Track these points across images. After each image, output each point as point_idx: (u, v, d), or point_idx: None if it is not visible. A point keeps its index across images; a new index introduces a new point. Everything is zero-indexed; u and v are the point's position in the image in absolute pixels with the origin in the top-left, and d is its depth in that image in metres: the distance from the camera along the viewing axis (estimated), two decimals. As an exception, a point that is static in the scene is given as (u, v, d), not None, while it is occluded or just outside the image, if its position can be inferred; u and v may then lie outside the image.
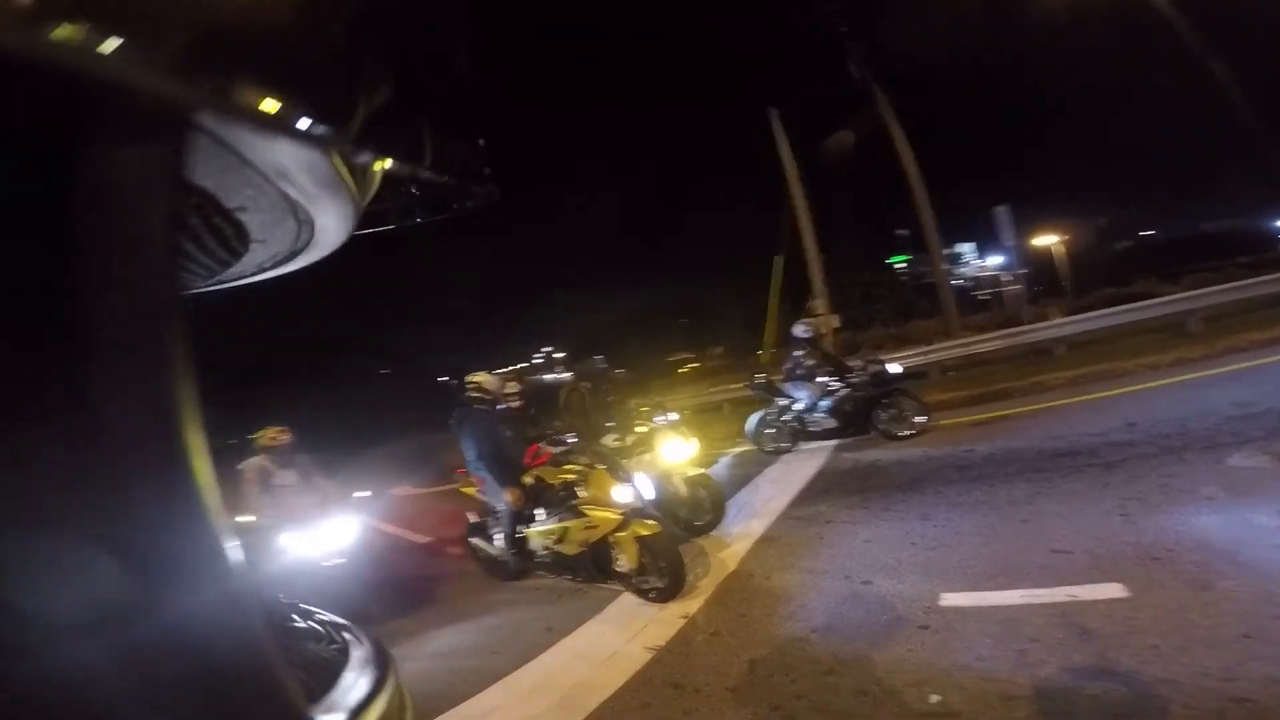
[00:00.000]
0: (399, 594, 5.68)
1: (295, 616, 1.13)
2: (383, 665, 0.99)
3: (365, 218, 0.79)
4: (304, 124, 0.44)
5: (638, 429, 5.79)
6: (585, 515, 4.54)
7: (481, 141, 0.77)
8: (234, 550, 0.46)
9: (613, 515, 4.46)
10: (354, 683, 0.92)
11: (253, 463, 5.25)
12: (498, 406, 5.47)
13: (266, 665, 0.48)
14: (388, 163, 0.65)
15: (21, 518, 0.37)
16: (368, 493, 5.35)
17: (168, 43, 0.34)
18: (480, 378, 5.39)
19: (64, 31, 0.30)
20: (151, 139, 0.41)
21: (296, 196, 0.63)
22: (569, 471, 4.86)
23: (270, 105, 0.41)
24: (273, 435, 5.35)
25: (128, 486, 0.41)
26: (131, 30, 0.32)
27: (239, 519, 4.99)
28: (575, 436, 5.53)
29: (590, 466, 4.87)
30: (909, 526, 4.79)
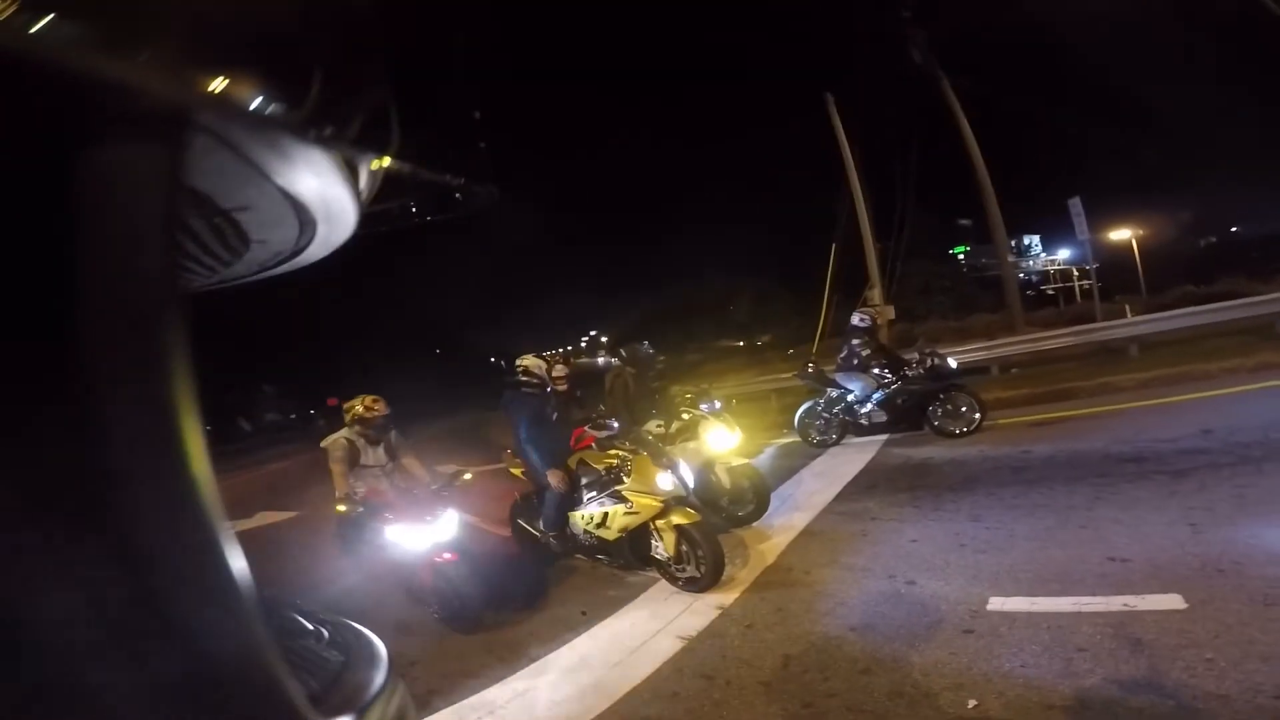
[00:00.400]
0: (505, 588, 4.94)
1: (295, 615, 1.15)
2: (384, 665, 1.00)
3: (366, 217, 0.79)
4: (304, 124, 0.45)
5: (682, 416, 5.79)
6: (627, 500, 4.56)
7: (485, 151, 0.77)
8: (233, 550, 0.46)
9: (653, 502, 4.46)
10: (355, 683, 0.93)
11: (339, 439, 4.73)
12: (545, 389, 5.52)
13: (267, 665, 0.48)
14: (388, 162, 0.65)
15: (21, 517, 0.38)
16: (467, 474, 4.99)
17: (167, 43, 0.35)
18: (528, 360, 5.46)
19: (62, 33, 0.31)
20: (151, 139, 0.41)
21: (297, 196, 0.63)
22: (612, 457, 4.88)
23: (270, 106, 0.41)
24: (367, 405, 4.80)
25: (127, 486, 0.41)
26: (131, 31, 0.33)
27: (338, 507, 4.62)
28: (617, 422, 5.55)
29: (633, 453, 4.90)
30: (959, 527, 4.65)
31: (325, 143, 0.52)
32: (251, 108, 0.41)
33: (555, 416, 5.43)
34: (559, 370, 6.17)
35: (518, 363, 5.53)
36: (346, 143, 0.51)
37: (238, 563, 0.46)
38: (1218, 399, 7.00)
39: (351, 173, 0.65)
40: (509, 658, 3.75)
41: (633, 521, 4.55)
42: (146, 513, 0.41)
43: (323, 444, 4.83)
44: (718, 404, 6.06)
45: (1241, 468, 4.65)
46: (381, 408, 4.82)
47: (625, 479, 4.68)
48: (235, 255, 0.79)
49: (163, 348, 0.43)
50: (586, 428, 5.73)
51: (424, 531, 4.35)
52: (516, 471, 5.67)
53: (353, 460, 4.73)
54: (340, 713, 0.84)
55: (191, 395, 0.44)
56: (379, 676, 0.94)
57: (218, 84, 0.38)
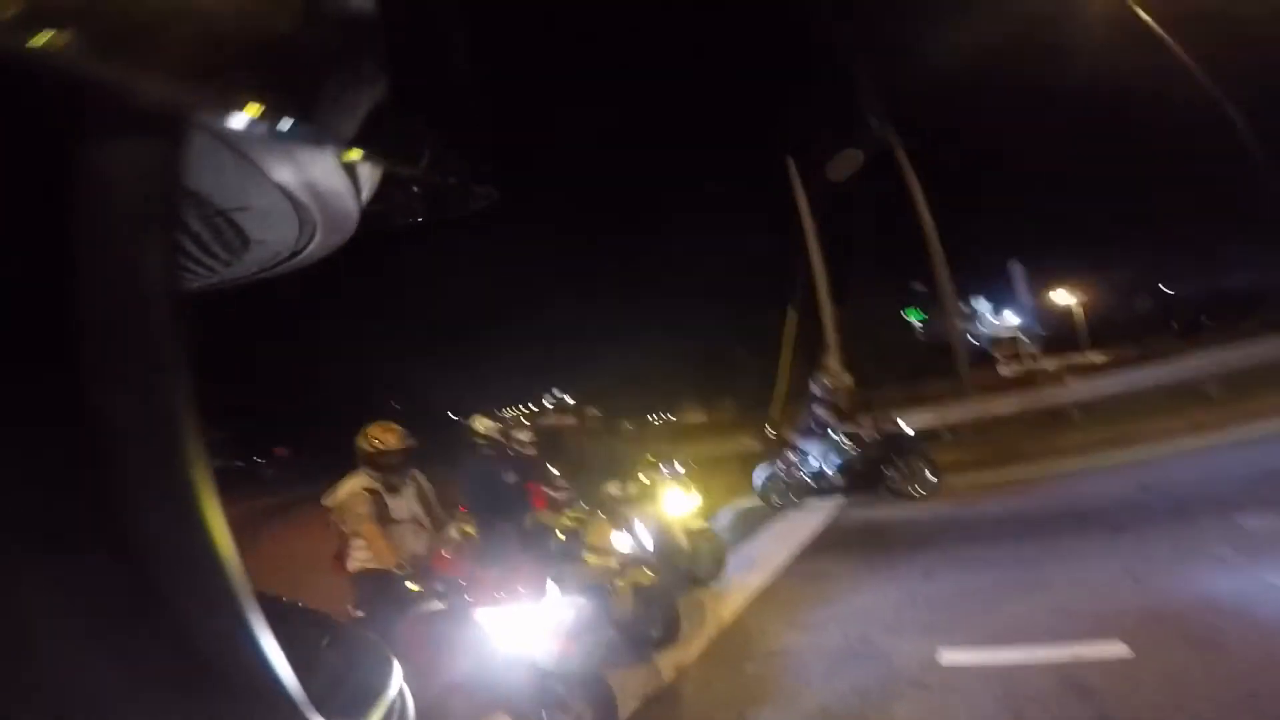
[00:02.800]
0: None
1: (296, 616, 1.12)
2: (387, 668, 0.97)
3: (365, 218, 0.80)
4: (303, 124, 0.45)
5: (641, 479, 5.77)
6: (583, 562, 4.48)
7: (485, 152, 0.78)
8: (233, 550, 0.46)
9: (610, 562, 4.40)
10: (357, 685, 0.91)
11: (355, 489, 3.54)
12: (508, 451, 5.40)
13: (268, 666, 0.47)
14: (389, 163, 0.65)
15: (20, 520, 0.37)
16: (468, 527, 3.87)
17: (167, 44, 0.36)
18: (481, 424, 5.38)
19: (60, 37, 0.32)
20: (151, 139, 0.41)
21: (296, 197, 0.63)
22: (569, 518, 4.81)
23: (269, 105, 0.42)
24: (373, 437, 3.63)
25: (126, 488, 0.41)
26: (131, 31, 0.34)
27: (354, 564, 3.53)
28: (565, 484, 5.51)
29: (591, 514, 4.84)
30: (912, 584, 4.68)
31: (325, 143, 0.52)
32: (251, 109, 0.41)
33: (513, 479, 5.30)
34: (524, 435, 5.97)
35: (472, 424, 5.44)
36: (346, 143, 0.51)
37: (238, 563, 0.45)
38: (1153, 458, 7.28)
39: (351, 173, 0.65)
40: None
41: (589, 582, 4.45)
42: (146, 513, 0.41)
43: (330, 500, 3.62)
44: (679, 467, 6.06)
45: (1177, 520, 4.82)
46: (394, 439, 3.64)
47: (582, 540, 4.61)
48: (235, 255, 0.79)
49: (163, 347, 0.43)
50: (542, 487, 5.66)
51: (532, 614, 3.20)
52: (469, 531, 5.49)
53: (380, 516, 3.56)
54: (342, 714, 0.81)
55: (191, 395, 0.44)
56: (382, 680, 0.91)
57: (218, 84, 0.38)
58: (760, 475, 8.35)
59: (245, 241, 0.76)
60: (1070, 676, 2.87)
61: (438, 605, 3.30)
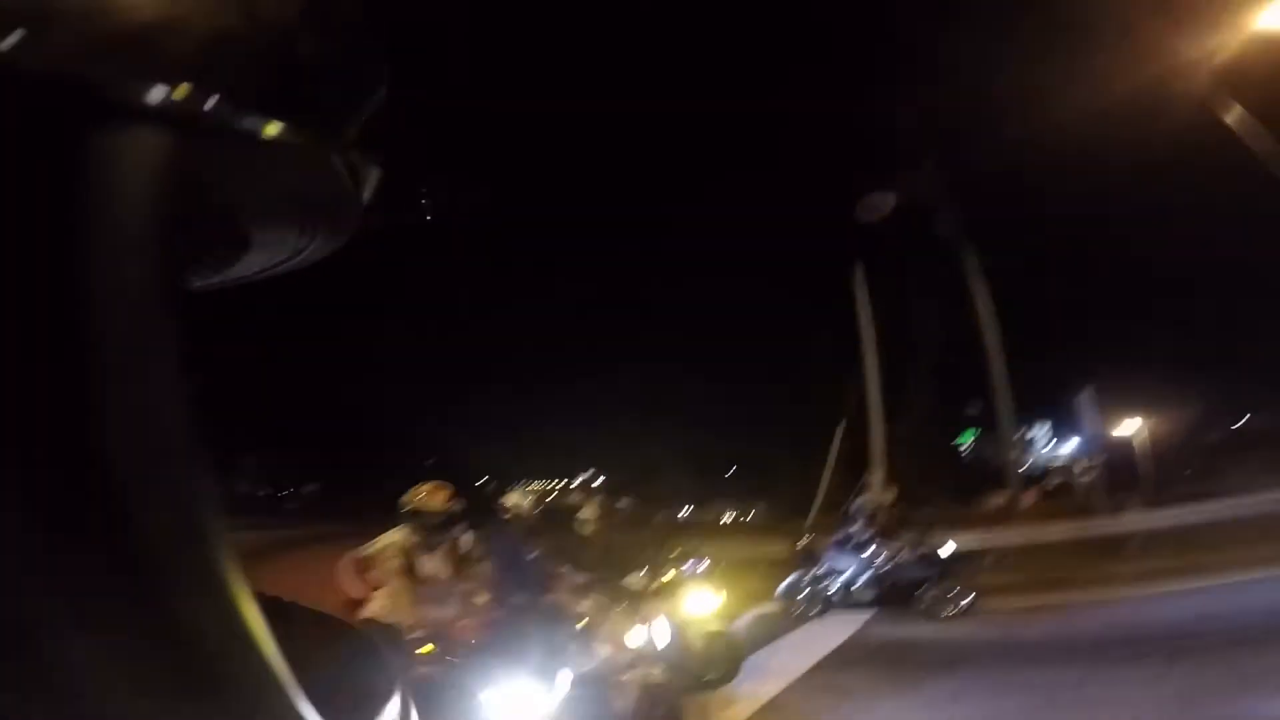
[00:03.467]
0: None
1: (296, 617, 1.11)
2: (388, 670, 0.96)
3: (366, 218, 0.85)
4: (304, 125, 0.46)
5: (665, 574, 5.63)
6: (594, 650, 4.33)
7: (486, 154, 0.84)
8: (233, 550, 0.45)
9: (621, 656, 4.35)
10: (357, 686, 0.90)
11: (392, 539, 3.58)
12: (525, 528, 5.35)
13: (268, 667, 0.46)
14: (387, 163, 0.64)
15: (18, 522, 0.37)
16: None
17: (166, 44, 0.38)
18: (512, 498, 5.41)
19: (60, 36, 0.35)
20: (151, 139, 0.42)
21: (296, 199, 0.62)
22: (587, 605, 4.72)
23: (270, 106, 0.43)
24: (425, 494, 3.66)
25: (125, 488, 0.40)
26: (132, 30, 0.37)
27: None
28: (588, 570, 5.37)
29: (609, 603, 4.73)
30: (936, 707, 4.34)
31: (326, 143, 0.52)
32: (251, 111, 0.42)
33: (535, 557, 5.21)
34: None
35: (505, 501, 5.46)
36: (347, 143, 0.51)
37: (237, 562, 0.44)
38: (1218, 588, 6.70)
39: (351, 173, 0.64)
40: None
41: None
42: (146, 512, 0.40)
43: (367, 550, 3.63)
44: (705, 562, 5.89)
45: (1239, 650, 4.37)
46: (439, 501, 3.64)
47: (598, 629, 4.48)
48: (235, 255, 0.85)
49: (163, 347, 0.43)
50: (565, 569, 5.55)
51: (537, 696, 3.19)
52: (478, 600, 5.35)
53: (409, 572, 3.54)
54: (343, 716, 0.79)
55: (192, 395, 0.43)
56: (383, 682, 0.89)
57: (219, 84, 0.40)
58: (787, 583, 8.01)
59: (246, 242, 0.69)
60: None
61: (438, 671, 3.26)
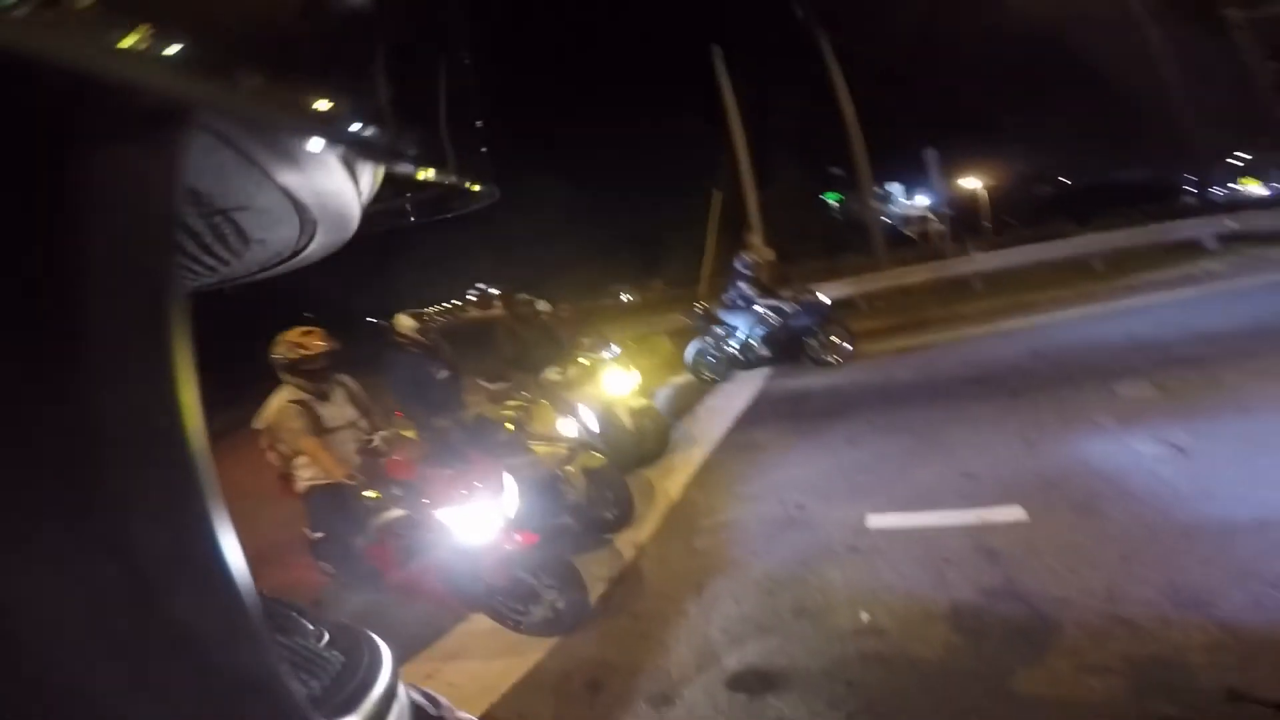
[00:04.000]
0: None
1: (295, 615, 1.14)
2: (387, 667, 1.02)
3: (366, 217, 0.79)
4: (303, 123, 0.45)
5: (579, 362, 5.86)
6: (531, 451, 4.60)
7: (483, 148, 0.77)
8: (233, 549, 0.46)
9: (559, 449, 4.52)
10: (357, 684, 0.95)
11: (283, 403, 3.52)
12: (434, 347, 5.26)
13: (267, 665, 0.49)
14: (391, 162, 0.64)
15: (20, 520, 0.38)
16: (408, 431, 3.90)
17: (169, 40, 0.35)
18: (404, 323, 5.22)
19: (62, 33, 0.31)
20: (151, 139, 0.41)
21: (297, 196, 0.62)
22: (511, 408, 4.82)
23: (271, 104, 0.42)
24: (294, 342, 3.56)
25: (127, 487, 0.41)
26: (132, 29, 0.34)
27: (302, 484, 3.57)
28: (502, 374, 5.50)
29: (532, 402, 4.90)
30: (837, 451, 5.15)
31: (325, 141, 0.51)
32: (253, 107, 0.41)
33: (446, 376, 5.20)
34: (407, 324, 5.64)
35: (394, 323, 5.27)
36: (346, 142, 0.50)
37: (237, 562, 0.46)
38: (1045, 325, 8.07)
39: (351, 172, 0.65)
40: (444, 618, 3.76)
41: (539, 470, 4.55)
42: (147, 514, 0.42)
43: (260, 421, 3.57)
44: (615, 348, 6.18)
45: (1064, 386, 5.45)
46: (317, 342, 3.56)
47: (527, 430, 4.68)
48: (235, 255, 0.77)
49: (164, 347, 0.43)
50: (479, 380, 5.67)
51: (492, 508, 3.26)
52: (410, 434, 5.46)
53: (314, 428, 3.50)
54: (341, 714, 0.86)
55: (193, 395, 0.44)
56: (381, 678, 0.96)
57: (219, 83, 0.38)
58: (691, 351, 8.66)
59: (246, 241, 0.74)
60: (980, 540, 3.36)
61: (397, 512, 3.38)
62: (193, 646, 0.44)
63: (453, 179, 0.69)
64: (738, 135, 15.20)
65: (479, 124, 0.75)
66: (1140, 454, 3.89)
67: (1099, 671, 2.30)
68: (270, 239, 0.77)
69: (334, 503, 3.51)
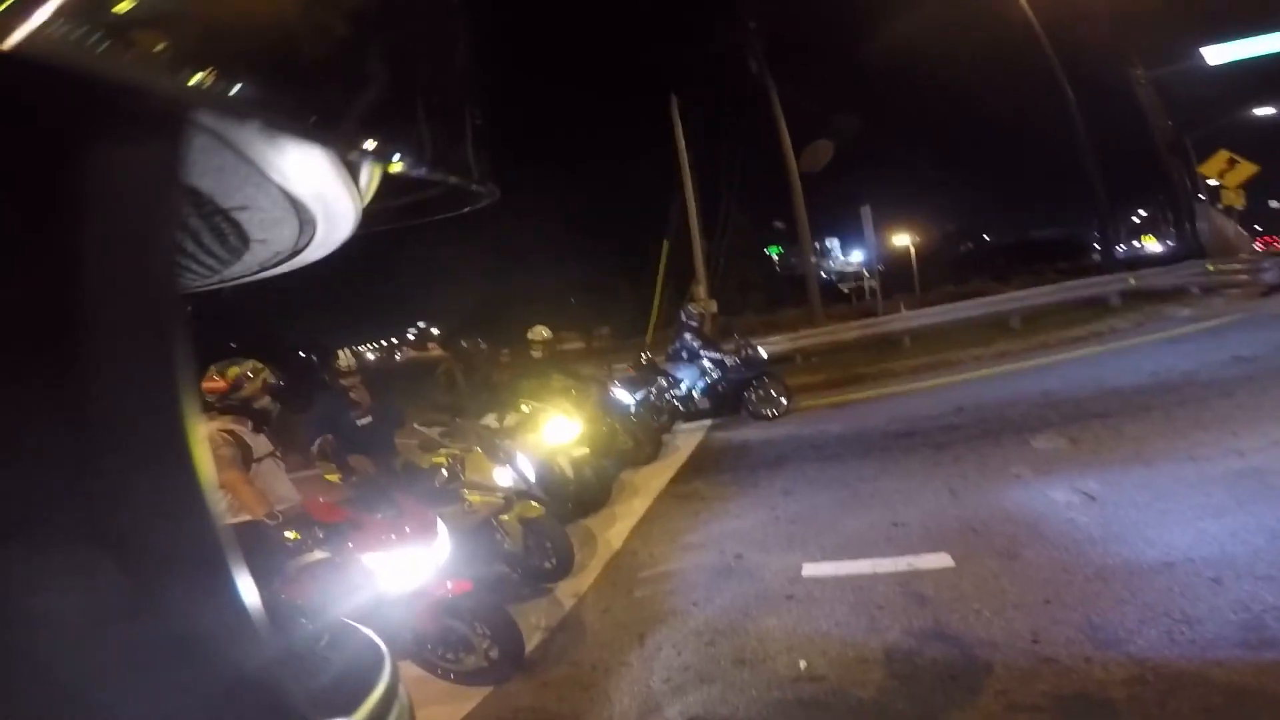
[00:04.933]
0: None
1: (294, 614, 1.12)
2: (385, 666, 1.00)
3: (366, 217, 0.79)
4: (304, 122, 0.45)
5: (520, 409, 5.82)
6: (465, 500, 4.35)
7: (483, 147, 0.79)
8: (233, 549, 0.46)
9: (494, 498, 4.41)
10: (355, 683, 0.94)
11: (211, 432, 3.35)
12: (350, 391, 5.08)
13: (266, 665, 0.49)
14: (390, 162, 0.63)
15: (20, 519, 0.38)
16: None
17: (168, 40, 0.35)
18: (344, 362, 5.10)
19: (62, 33, 0.32)
20: (151, 138, 0.41)
21: (297, 195, 0.62)
22: (442, 456, 4.65)
23: (270, 103, 0.42)
24: (247, 374, 3.49)
25: (128, 487, 0.41)
26: (132, 29, 0.34)
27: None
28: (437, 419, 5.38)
29: (466, 450, 4.78)
30: (774, 502, 5.24)
31: (325, 141, 0.51)
32: (252, 106, 0.41)
33: (370, 420, 4.96)
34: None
35: (334, 364, 5.12)
36: (346, 141, 0.50)
37: (237, 563, 0.46)
38: (967, 381, 8.53)
39: (351, 172, 0.65)
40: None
41: (473, 520, 4.40)
42: (146, 513, 0.42)
43: None
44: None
45: (984, 440, 5.75)
46: (262, 378, 3.53)
47: (460, 477, 4.55)
48: (235, 255, 0.77)
49: (164, 347, 0.43)
50: (415, 425, 5.52)
51: (423, 554, 3.16)
52: (333, 478, 5.21)
53: (243, 460, 3.37)
54: (340, 713, 0.84)
55: (193, 395, 0.44)
56: (379, 677, 0.94)
57: (219, 83, 0.38)
58: (636, 400, 8.71)
59: (246, 241, 0.75)
60: (908, 585, 3.47)
61: (319, 554, 3.20)
62: (192, 646, 0.43)
63: (452, 179, 0.69)
64: (688, 185, 15.62)
65: (478, 123, 0.74)
66: (1055, 502, 4.12)
67: (1027, 710, 2.38)
68: (270, 239, 0.77)
69: (251, 543, 3.32)
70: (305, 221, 0.72)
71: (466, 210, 0.88)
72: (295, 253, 0.85)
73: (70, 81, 0.33)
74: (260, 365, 3.58)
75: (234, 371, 3.50)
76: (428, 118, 0.62)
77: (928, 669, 2.74)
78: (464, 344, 6.33)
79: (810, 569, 3.94)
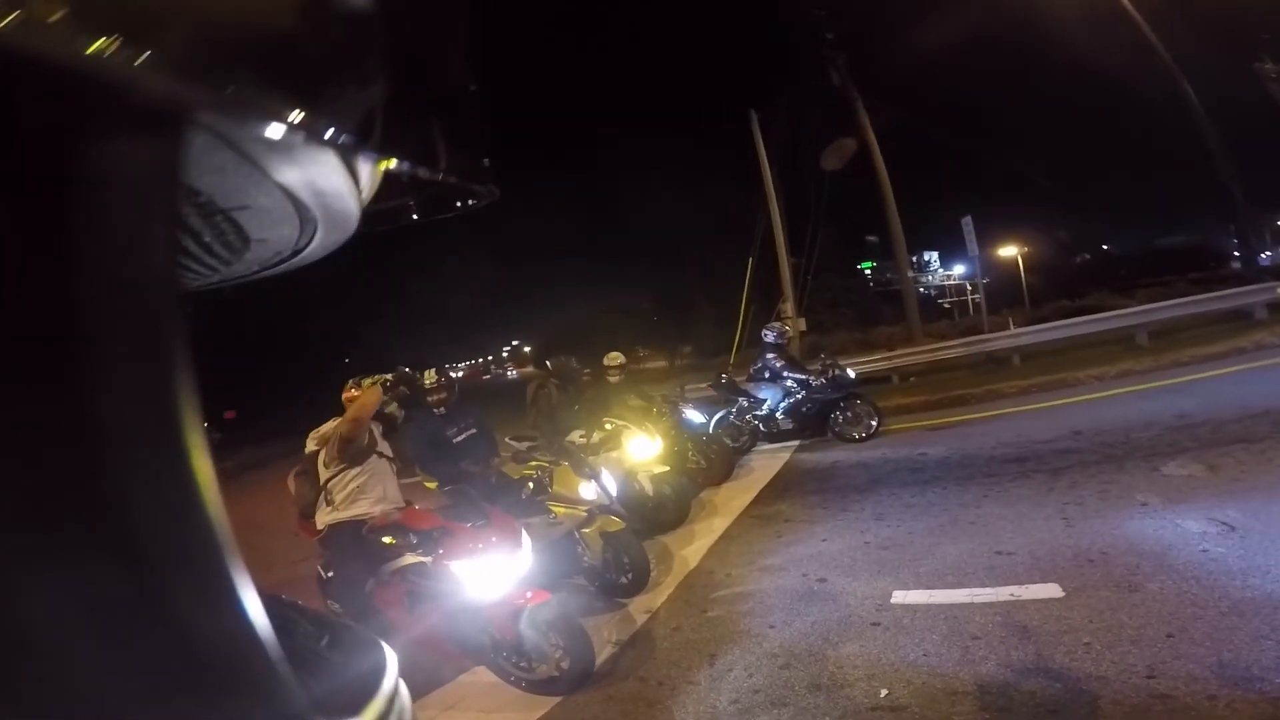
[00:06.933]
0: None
1: (295, 615, 1.13)
2: (387, 667, 0.99)
3: (366, 216, 0.79)
4: (305, 121, 0.45)
5: (605, 427, 5.86)
6: (550, 512, 4.57)
7: (485, 149, 0.78)
8: (234, 550, 0.46)
9: (578, 511, 4.49)
10: (357, 685, 0.93)
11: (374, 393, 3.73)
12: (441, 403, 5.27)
13: (267, 665, 0.48)
14: (390, 161, 0.64)
15: (21, 519, 0.38)
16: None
17: (168, 41, 0.35)
18: (429, 377, 5.29)
19: (64, 33, 0.32)
20: (151, 138, 0.41)
21: (298, 195, 0.63)
22: (532, 469, 4.83)
23: (271, 103, 0.42)
24: (361, 386, 3.90)
25: (128, 487, 0.41)
26: (132, 30, 0.34)
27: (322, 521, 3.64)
28: (539, 433, 5.51)
29: (554, 464, 4.89)
30: (864, 526, 4.96)
31: (325, 141, 0.51)
32: (253, 107, 0.41)
33: (464, 436, 5.07)
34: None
35: (421, 377, 5.32)
36: (346, 141, 0.50)
37: (238, 563, 0.46)
38: (1086, 403, 7.79)
39: (351, 172, 0.65)
40: (447, 668, 3.66)
41: (557, 531, 4.53)
42: (147, 513, 0.41)
43: (320, 435, 3.75)
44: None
45: (1106, 465, 5.21)
46: (384, 387, 3.89)
47: (548, 490, 4.67)
48: (235, 254, 0.78)
49: (164, 347, 0.43)
50: (508, 439, 5.68)
51: (506, 563, 3.24)
52: (431, 485, 5.46)
53: (369, 449, 3.71)
54: (342, 714, 0.83)
55: (193, 395, 0.44)
56: (381, 678, 0.93)
57: (218, 83, 0.38)
58: (714, 421, 8.57)
59: (246, 240, 0.75)
60: (1010, 616, 3.15)
61: (412, 558, 3.39)
62: (193, 646, 0.43)
63: (452, 179, 0.70)
64: (773, 201, 15.32)
65: (478, 124, 0.75)
66: (1187, 532, 3.65)
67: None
68: (271, 238, 0.78)
69: (351, 542, 3.55)
70: (306, 221, 0.73)
71: (467, 210, 0.89)
72: (296, 252, 0.86)
73: (69, 80, 0.34)
74: (387, 377, 3.93)
75: (368, 382, 3.84)
76: (428, 117, 0.63)
77: (1024, 702, 2.45)
78: (556, 362, 6.44)
79: (900, 596, 3.67)
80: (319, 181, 0.62)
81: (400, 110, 0.55)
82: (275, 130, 0.46)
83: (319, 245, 0.85)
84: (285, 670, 0.50)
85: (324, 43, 0.47)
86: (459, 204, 0.87)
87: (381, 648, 1.04)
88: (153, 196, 0.43)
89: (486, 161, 0.78)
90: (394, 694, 0.95)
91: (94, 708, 0.40)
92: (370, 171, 0.70)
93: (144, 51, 0.34)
